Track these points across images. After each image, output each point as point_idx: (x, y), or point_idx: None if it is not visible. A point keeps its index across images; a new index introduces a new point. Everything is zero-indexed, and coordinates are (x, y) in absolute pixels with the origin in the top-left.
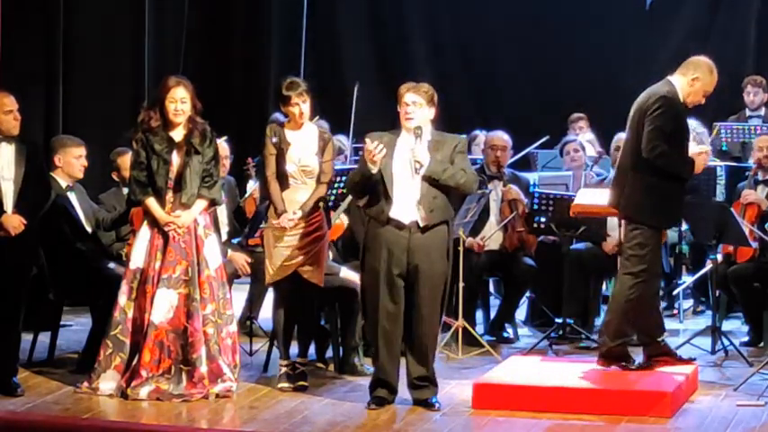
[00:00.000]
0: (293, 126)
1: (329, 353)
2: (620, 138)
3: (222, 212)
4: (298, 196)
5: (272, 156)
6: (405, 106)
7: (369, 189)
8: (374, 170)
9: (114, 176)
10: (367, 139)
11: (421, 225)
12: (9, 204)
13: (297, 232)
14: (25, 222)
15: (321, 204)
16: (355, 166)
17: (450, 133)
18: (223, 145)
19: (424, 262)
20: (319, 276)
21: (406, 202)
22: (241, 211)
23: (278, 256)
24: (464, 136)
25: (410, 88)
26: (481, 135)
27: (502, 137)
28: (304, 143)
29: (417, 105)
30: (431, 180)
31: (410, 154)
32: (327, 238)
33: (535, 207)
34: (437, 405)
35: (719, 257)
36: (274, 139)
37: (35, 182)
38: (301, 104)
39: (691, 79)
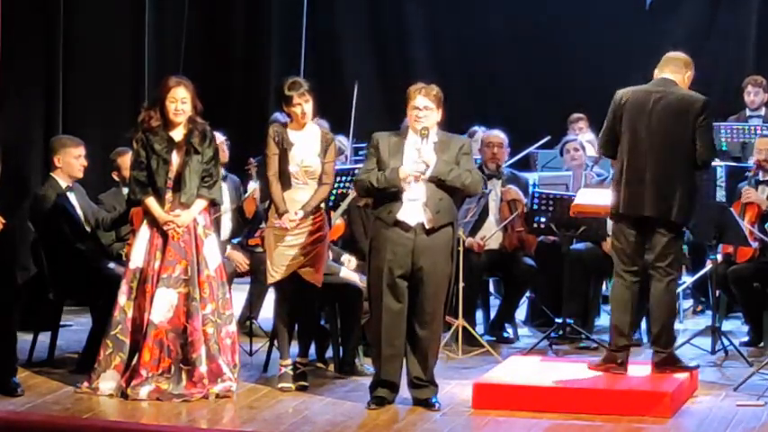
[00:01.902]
0: (295, 126)
1: (329, 353)
2: None
3: (226, 212)
4: (299, 196)
5: (274, 156)
6: (415, 110)
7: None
8: (406, 187)
9: (114, 176)
10: (419, 164)
11: (427, 227)
12: None
13: (299, 232)
14: (4, 222)
15: (322, 205)
16: (356, 166)
17: (453, 133)
18: (219, 136)
19: (428, 263)
20: (318, 277)
21: (413, 204)
22: (241, 211)
23: (280, 257)
24: (465, 136)
25: (420, 90)
26: (479, 132)
27: (498, 135)
28: (307, 144)
29: (428, 110)
30: (437, 181)
31: (416, 154)
32: (328, 238)
33: (535, 207)
34: (437, 405)
35: (719, 257)
36: (277, 139)
37: (9, 181)
38: (304, 105)
39: (686, 77)
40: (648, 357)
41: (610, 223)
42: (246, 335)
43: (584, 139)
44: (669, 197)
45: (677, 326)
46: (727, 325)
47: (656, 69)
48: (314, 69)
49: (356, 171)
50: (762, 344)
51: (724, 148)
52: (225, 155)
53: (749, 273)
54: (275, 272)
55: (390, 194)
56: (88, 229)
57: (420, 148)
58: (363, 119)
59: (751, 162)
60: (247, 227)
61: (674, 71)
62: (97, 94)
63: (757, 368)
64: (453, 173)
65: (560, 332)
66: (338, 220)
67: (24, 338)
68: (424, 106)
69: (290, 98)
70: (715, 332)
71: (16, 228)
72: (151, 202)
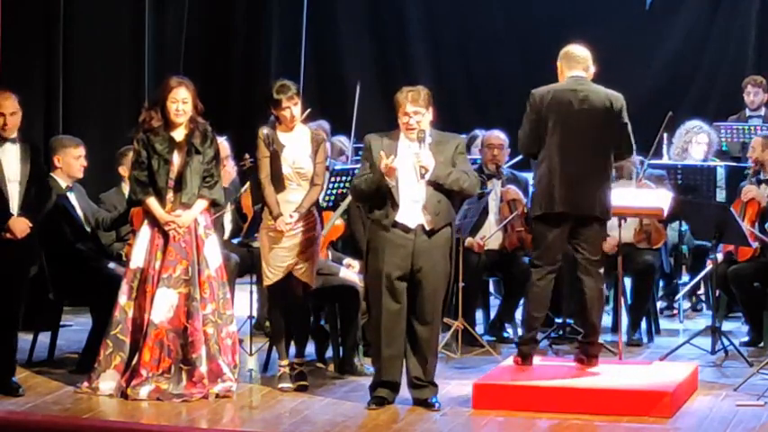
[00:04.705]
0: (285, 128)
1: (329, 353)
2: None
3: (226, 212)
4: (292, 198)
5: (265, 158)
6: (405, 117)
7: (375, 196)
8: (392, 183)
9: (121, 171)
10: (382, 153)
11: (427, 229)
12: (15, 206)
13: (292, 234)
14: (31, 225)
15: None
16: (356, 166)
17: (450, 133)
18: (224, 144)
19: (428, 264)
20: (311, 276)
21: (412, 206)
22: (238, 206)
23: (275, 259)
24: (464, 136)
25: (408, 97)
26: (480, 136)
27: (498, 135)
28: (297, 145)
29: (419, 115)
30: (435, 184)
31: (414, 158)
32: (320, 238)
33: None
34: (437, 405)
35: (720, 256)
36: (267, 142)
37: (36, 182)
38: (292, 108)
39: (591, 73)
40: (648, 357)
41: (610, 223)
42: (267, 336)
43: None
44: (600, 194)
45: (677, 326)
46: (727, 325)
47: (561, 63)
48: (314, 69)
49: (356, 171)
50: (762, 344)
51: (724, 149)
52: (230, 171)
53: (749, 273)
54: (271, 273)
55: (384, 196)
56: (88, 229)
57: (418, 153)
58: (363, 119)
59: (750, 162)
60: (246, 224)
61: (585, 69)
62: (97, 94)
63: (757, 368)
64: (452, 176)
65: (560, 332)
66: (338, 221)
67: (24, 338)
68: (414, 111)
69: (279, 101)
70: (715, 332)
71: (36, 230)
72: (152, 202)
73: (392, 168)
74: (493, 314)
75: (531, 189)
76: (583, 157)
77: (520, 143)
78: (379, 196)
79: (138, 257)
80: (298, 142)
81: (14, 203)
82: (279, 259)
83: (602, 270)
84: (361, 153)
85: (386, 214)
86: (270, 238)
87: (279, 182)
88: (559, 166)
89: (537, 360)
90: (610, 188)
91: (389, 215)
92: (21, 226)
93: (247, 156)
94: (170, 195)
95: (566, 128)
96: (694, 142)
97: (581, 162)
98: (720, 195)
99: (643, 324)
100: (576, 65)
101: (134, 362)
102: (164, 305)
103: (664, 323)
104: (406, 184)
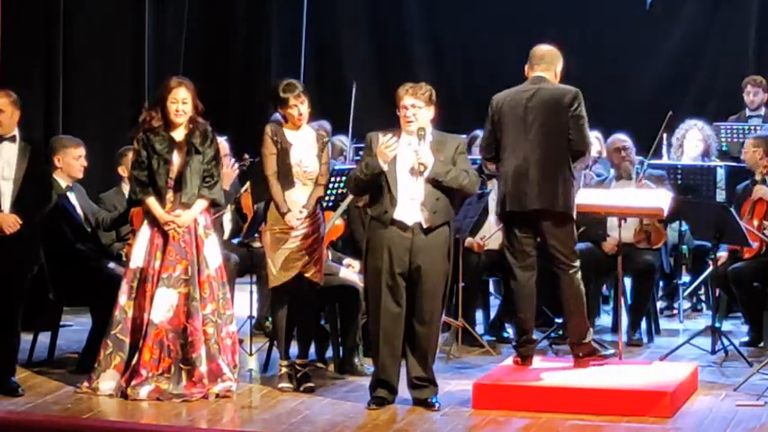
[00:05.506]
0: (291, 127)
1: (329, 353)
2: (617, 138)
3: (226, 212)
4: (295, 197)
5: (272, 155)
6: (404, 110)
7: (371, 188)
8: (386, 167)
9: (121, 171)
10: (380, 135)
11: (425, 226)
12: (6, 204)
13: (297, 234)
14: (21, 222)
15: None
16: (355, 166)
17: (451, 133)
18: (223, 144)
19: (426, 262)
20: (320, 275)
21: (410, 204)
22: (238, 206)
23: (280, 258)
24: (464, 136)
25: (408, 91)
26: (480, 136)
27: None
28: (304, 144)
29: (417, 108)
30: (434, 181)
31: (414, 155)
32: (326, 237)
33: None
34: (437, 405)
35: (725, 254)
36: (275, 138)
37: (35, 182)
38: (300, 106)
39: (557, 71)
40: (648, 357)
41: (610, 223)
42: (267, 336)
43: None
44: (553, 189)
45: (677, 326)
46: (727, 325)
47: (527, 66)
48: (314, 69)
49: None
50: (762, 344)
51: (724, 149)
52: (233, 170)
53: (749, 273)
54: (278, 274)
55: (382, 191)
56: (88, 229)
57: (417, 150)
58: (363, 119)
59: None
60: (246, 224)
61: (546, 68)
62: (97, 94)
63: (757, 368)
64: (451, 174)
65: (560, 332)
66: (338, 221)
67: (24, 338)
68: (412, 104)
69: (286, 100)
70: (715, 332)
71: (35, 230)
72: (152, 201)
73: (388, 147)
74: (493, 314)
75: None
76: (532, 153)
77: (479, 148)
78: (375, 188)
79: (137, 257)
80: (304, 142)
81: (6, 201)
82: (287, 261)
83: (572, 271)
84: (360, 153)
85: (384, 210)
86: (275, 239)
87: (286, 179)
88: (512, 165)
89: (537, 360)
90: (569, 182)
91: (388, 211)
92: (9, 221)
93: (246, 156)
94: (170, 195)
95: (516, 127)
96: (687, 139)
97: (530, 158)
98: (720, 195)
99: (643, 324)
100: (537, 66)
101: (134, 362)
102: (163, 305)
103: (664, 323)
104: (404, 181)
